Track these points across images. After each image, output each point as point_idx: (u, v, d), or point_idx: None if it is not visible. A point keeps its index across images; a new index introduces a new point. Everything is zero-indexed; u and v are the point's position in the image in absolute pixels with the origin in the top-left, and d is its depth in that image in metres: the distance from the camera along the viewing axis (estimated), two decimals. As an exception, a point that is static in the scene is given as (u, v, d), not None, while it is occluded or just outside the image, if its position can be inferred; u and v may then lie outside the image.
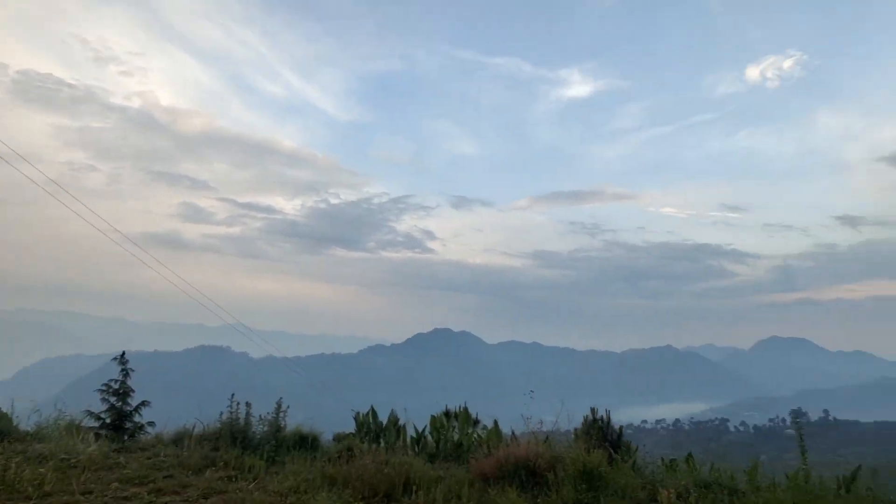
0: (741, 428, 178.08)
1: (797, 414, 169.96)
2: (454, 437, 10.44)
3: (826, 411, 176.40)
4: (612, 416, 9.96)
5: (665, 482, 7.21)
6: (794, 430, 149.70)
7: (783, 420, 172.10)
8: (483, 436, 10.17)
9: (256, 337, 22.86)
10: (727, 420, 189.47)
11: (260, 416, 10.75)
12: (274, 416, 10.66)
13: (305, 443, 10.24)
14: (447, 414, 11.16)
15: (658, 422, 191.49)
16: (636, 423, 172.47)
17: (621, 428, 10.05)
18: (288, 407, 10.81)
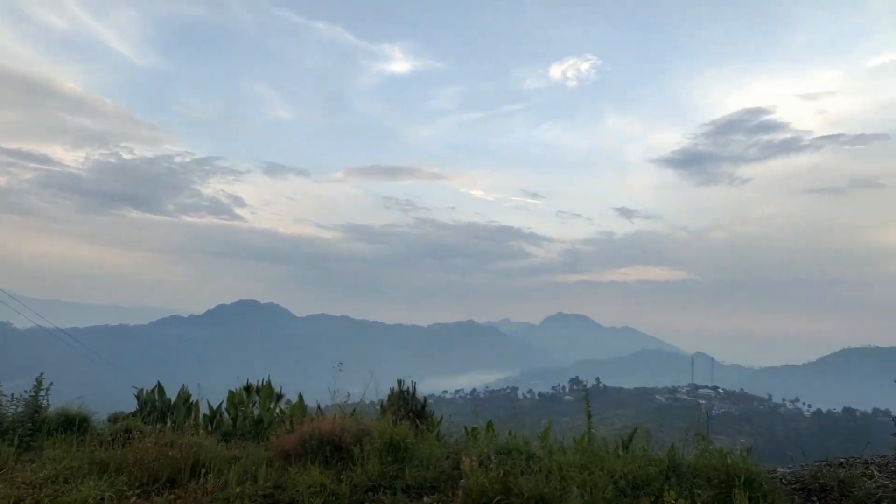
0: (528, 395, 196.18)
1: (575, 382, 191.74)
2: (254, 413, 9.72)
3: (598, 379, 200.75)
4: (417, 388, 10.00)
5: (468, 450, 7.32)
6: (573, 397, 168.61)
7: (563, 387, 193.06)
8: (286, 411, 9.59)
9: (18, 304, 19.50)
10: (517, 388, 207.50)
11: (13, 394, 9.01)
12: (32, 394, 8.99)
13: (73, 425, 8.80)
14: (248, 388, 10.39)
15: (457, 391, 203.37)
16: (437, 393, 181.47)
17: (425, 399, 10.13)
18: (51, 384, 9.18)
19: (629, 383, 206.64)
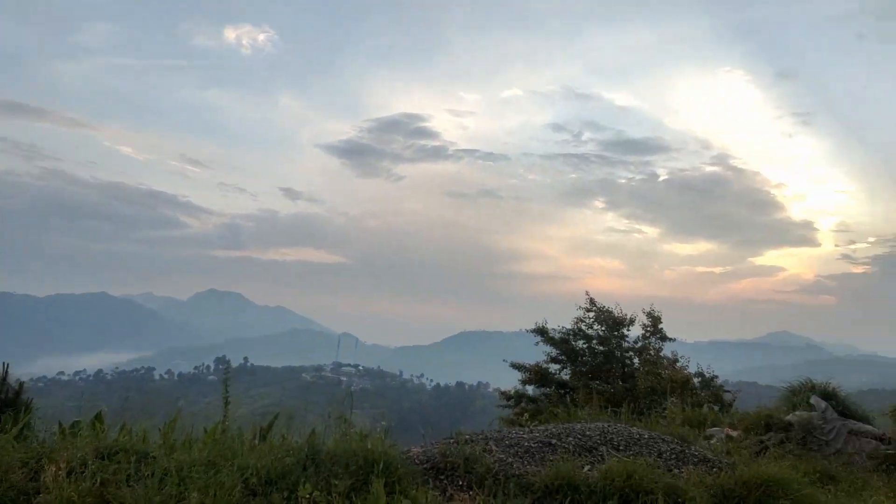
0: (167, 376, 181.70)
1: (221, 361, 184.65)
2: None
3: (246, 358, 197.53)
4: (19, 369, 7.63)
5: (57, 453, 5.65)
6: (218, 377, 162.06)
7: (207, 367, 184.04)
8: None
9: None
10: (153, 368, 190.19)
11: None
12: None
13: None
14: None
15: (77, 373, 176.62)
16: (51, 375, 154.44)
17: (21, 384, 7.78)
18: None
19: (278, 362, 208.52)
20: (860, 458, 8.02)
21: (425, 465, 5.99)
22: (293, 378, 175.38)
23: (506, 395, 16.34)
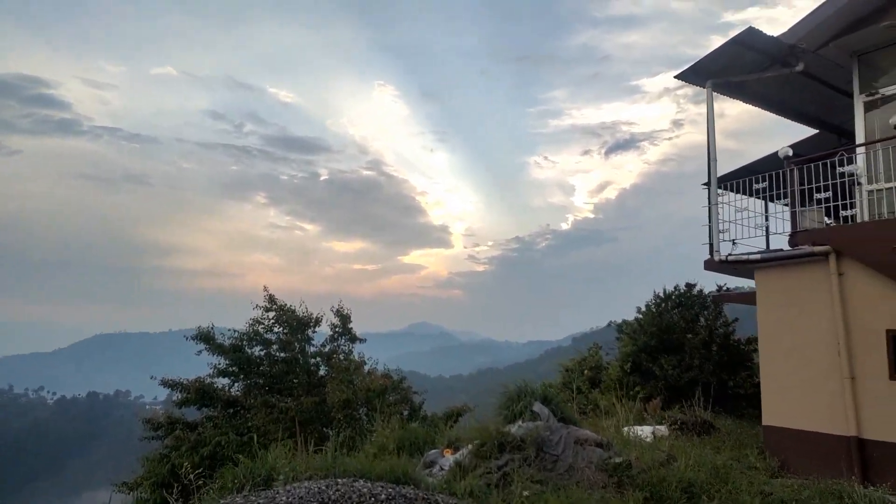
0: None
1: None
2: None
3: None
4: None
5: None
6: None
7: None
8: None
9: None
10: None
11: None
12: None
13: None
14: None
15: None
16: None
17: None
18: None
19: None
20: (590, 470, 7.14)
21: None
22: None
23: (152, 424, 12.27)
